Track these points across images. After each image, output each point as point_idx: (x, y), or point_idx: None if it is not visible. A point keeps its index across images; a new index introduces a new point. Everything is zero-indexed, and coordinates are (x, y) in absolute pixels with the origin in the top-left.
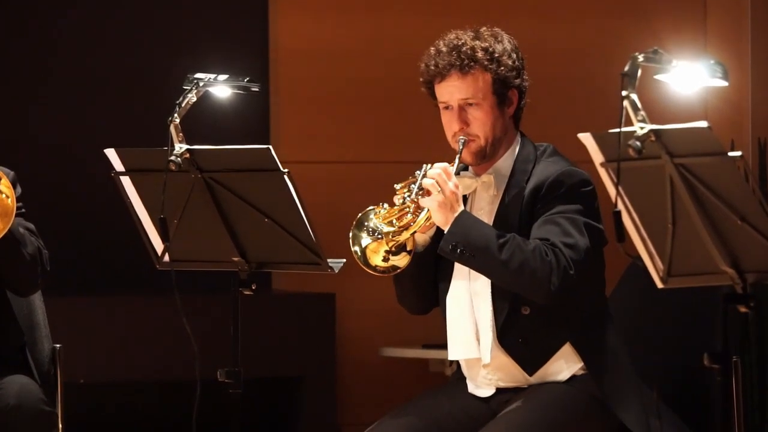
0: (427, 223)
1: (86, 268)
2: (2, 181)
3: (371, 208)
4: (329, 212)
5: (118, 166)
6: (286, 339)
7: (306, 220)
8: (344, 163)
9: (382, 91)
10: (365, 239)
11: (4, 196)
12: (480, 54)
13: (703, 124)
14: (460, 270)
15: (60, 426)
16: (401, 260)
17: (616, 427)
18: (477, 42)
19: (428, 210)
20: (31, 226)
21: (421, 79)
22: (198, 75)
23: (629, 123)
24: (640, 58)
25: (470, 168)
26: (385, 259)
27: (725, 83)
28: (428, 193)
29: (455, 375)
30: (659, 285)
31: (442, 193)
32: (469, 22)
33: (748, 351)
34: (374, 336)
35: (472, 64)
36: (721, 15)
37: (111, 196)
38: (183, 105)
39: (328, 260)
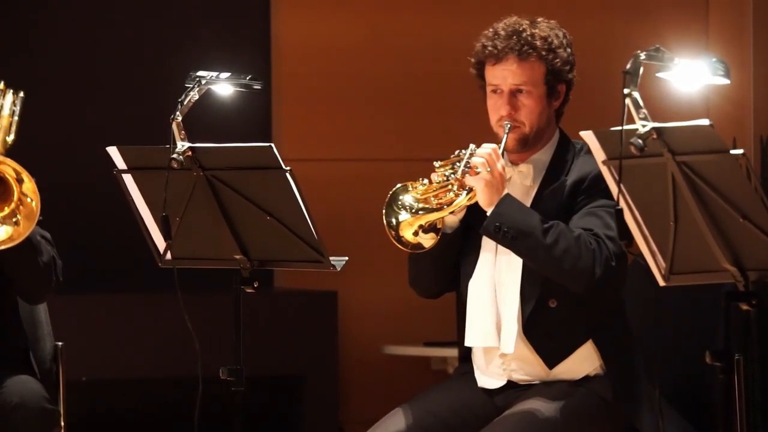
0: (469, 203)
1: (88, 266)
2: (29, 185)
3: (402, 184)
4: (331, 210)
5: (120, 164)
6: (288, 337)
7: (308, 217)
8: (346, 161)
9: (385, 88)
10: (403, 214)
11: (29, 199)
12: (539, 42)
13: (705, 121)
14: (485, 257)
15: (62, 424)
16: (428, 240)
17: (623, 429)
18: (536, 30)
19: (471, 190)
20: (47, 234)
21: (473, 60)
22: (200, 73)
23: (631, 121)
24: (642, 55)
25: (506, 156)
26: (416, 234)
27: (727, 81)
28: (474, 172)
29: (458, 370)
30: (661, 283)
31: (491, 173)
32: (471, 19)
33: (750, 349)
34: (376, 334)
35: (530, 51)
36: (722, 12)
37: (113, 194)
38: (185, 103)
39: (330, 258)
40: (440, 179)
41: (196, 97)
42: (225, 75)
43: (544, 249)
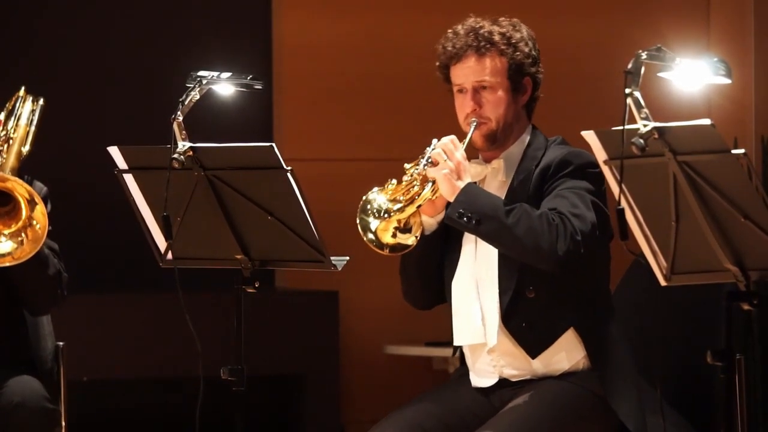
0: (434, 197)
1: (89, 266)
2: (38, 207)
3: (369, 193)
4: (332, 210)
5: (122, 164)
6: (289, 337)
7: (309, 217)
8: (348, 161)
9: (386, 88)
10: (373, 222)
11: (36, 223)
12: (497, 37)
13: (707, 121)
14: (466, 257)
15: (63, 424)
16: (408, 239)
17: (616, 425)
18: (495, 27)
19: (435, 183)
20: (55, 246)
21: (437, 63)
22: (201, 72)
23: (632, 120)
24: (644, 55)
25: (480, 156)
26: (394, 235)
27: (728, 81)
28: (436, 164)
29: (458, 372)
30: (662, 282)
31: (449, 161)
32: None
33: (752, 348)
34: (378, 334)
35: (488, 46)
36: (724, 12)
37: (114, 194)
38: (186, 103)
39: (331, 258)
40: (408, 178)
41: (197, 96)
42: (226, 75)
43: (507, 229)
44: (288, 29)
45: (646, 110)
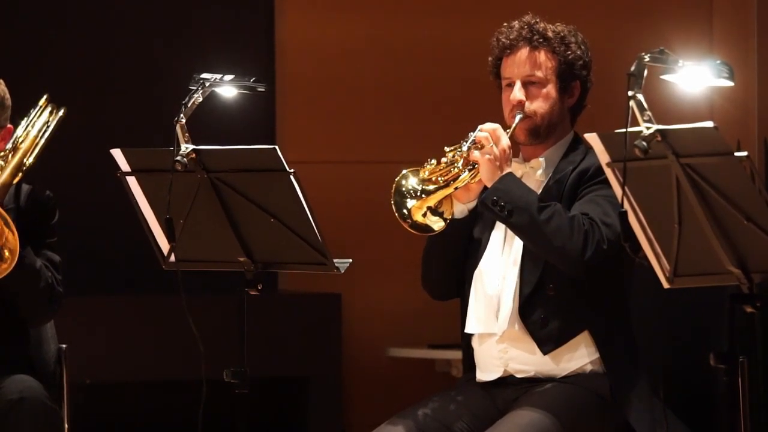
0: (472, 181)
1: (92, 268)
2: (7, 232)
3: (407, 170)
4: (335, 212)
5: (124, 166)
6: (292, 339)
7: (312, 220)
8: (350, 164)
9: (389, 91)
10: (410, 201)
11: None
12: (551, 34)
13: (709, 124)
14: (492, 246)
15: (66, 426)
16: (437, 223)
17: (622, 426)
18: (550, 26)
19: (475, 166)
20: (56, 258)
21: (489, 58)
22: (204, 75)
23: (635, 123)
24: (647, 58)
25: (520, 155)
26: (425, 215)
27: (731, 83)
28: (480, 147)
29: (463, 378)
30: (665, 285)
31: (495, 147)
32: (475, 22)
33: (755, 351)
34: (380, 336)
35: (541, 41)
36: (727, 15)
37: (117, 197)
38: (189, 105)
39: (334, 260)
40: (447, 159)
41: (200, 99)
42: (229, 77)
43: (537, 225)
44: (291, 31)
45: (648, 113)
